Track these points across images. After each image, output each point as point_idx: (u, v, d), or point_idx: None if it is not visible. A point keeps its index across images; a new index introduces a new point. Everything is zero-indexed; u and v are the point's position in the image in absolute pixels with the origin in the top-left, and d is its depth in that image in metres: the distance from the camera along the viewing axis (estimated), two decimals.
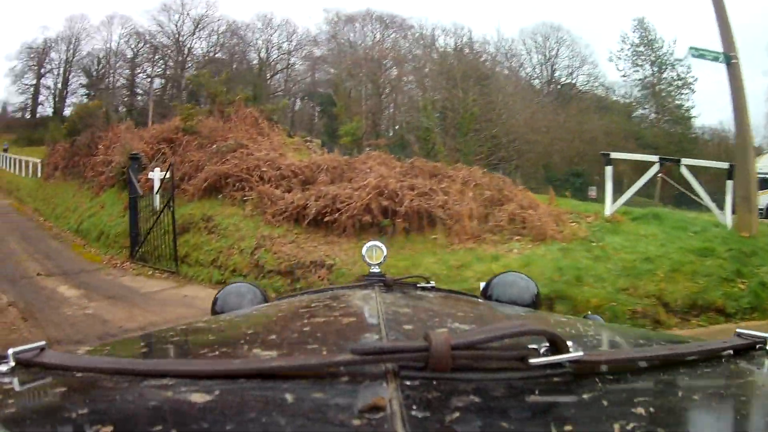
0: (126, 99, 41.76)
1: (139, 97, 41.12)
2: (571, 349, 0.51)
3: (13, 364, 0.58)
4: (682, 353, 0.62)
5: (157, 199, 10.23)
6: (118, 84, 53.78)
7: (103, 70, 54.97)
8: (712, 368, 0.60)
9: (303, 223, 8.37)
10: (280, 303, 1.22)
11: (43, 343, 0.61)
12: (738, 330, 0.68)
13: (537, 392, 0.48)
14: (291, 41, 37.78)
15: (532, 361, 0.50)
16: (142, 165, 12.02)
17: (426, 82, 25.86)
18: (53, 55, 56.16)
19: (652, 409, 0.45)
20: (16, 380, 0.56)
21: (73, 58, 55.98)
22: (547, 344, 0.53)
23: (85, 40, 56.68)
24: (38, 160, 20.82)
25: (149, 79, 43.06)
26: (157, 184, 10.40)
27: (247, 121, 13.12)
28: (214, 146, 11.47)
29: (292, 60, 33.55)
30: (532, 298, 1.33)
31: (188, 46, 44.63)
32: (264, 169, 9.97)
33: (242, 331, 0.90)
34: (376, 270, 1.40)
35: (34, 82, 56.45)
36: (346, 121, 20.79)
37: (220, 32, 43.30)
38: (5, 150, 30.14)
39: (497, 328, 0.51)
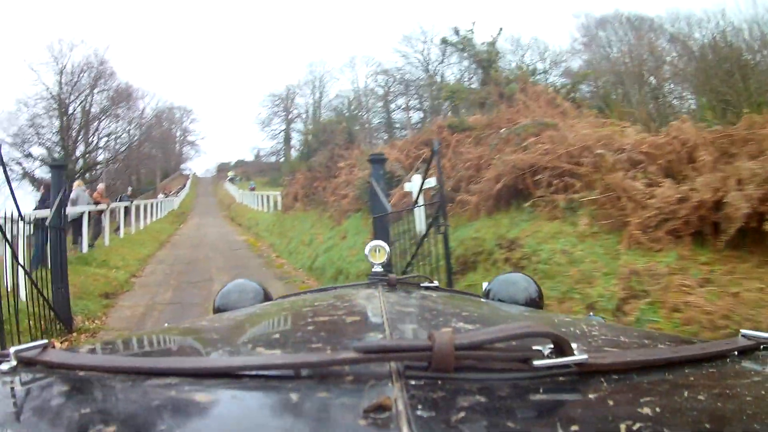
0: (384, 135, 44.55)
1: (397, 132, 43.29)
2: (575, 352, 0.54)
3: (14, 362, 0.61)
4: (686, 354, 0.64)
5: (419, 218, 7.35)
6: (375, 122, 58.97)
7: (355, 111, 60.71)
8: (717, 369, 0.62)
9: (713, 240, 4.60)
10: (283, 302, 1.29)
11: (45, 341, 0.64)
12: (743, 331, 0.72)
13: (542, 392, 0.50)
14: (544, 59, 35.52)
15: (536, 363, 0.53)
16: (395, 176, 9.57)
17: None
18: (298, 100, 65.88)
19: (658, 409, 0.47)
20: (18, 379, 0.59)
21: (320, 100, 63.77)
22: (552, 346, 0.55)
23: (330, 82, 64.16)
24: (278, 193, 21.20)
25: (407, 114, 46.32)
26: (420, 198, 7.55)
27: (540, 100, 9.77)
28: (502, 130, 8.34)
29: (550, 79, 30.75)
30: (535, 298, 1.43)
31: (440, 72, 46.46)
32: (599, 151, 6.07)
33: (245, 329, 0.96)
34: (378, 269, 1.47)
35: (284, 127, 66.66)
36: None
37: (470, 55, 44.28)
38: (252, 189, 33.68)
39: (502, 329, 0.53)
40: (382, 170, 7.82)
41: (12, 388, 0.57)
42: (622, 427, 0.43)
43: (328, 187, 14.26)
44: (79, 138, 40.21)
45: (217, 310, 1.36)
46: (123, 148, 45.50)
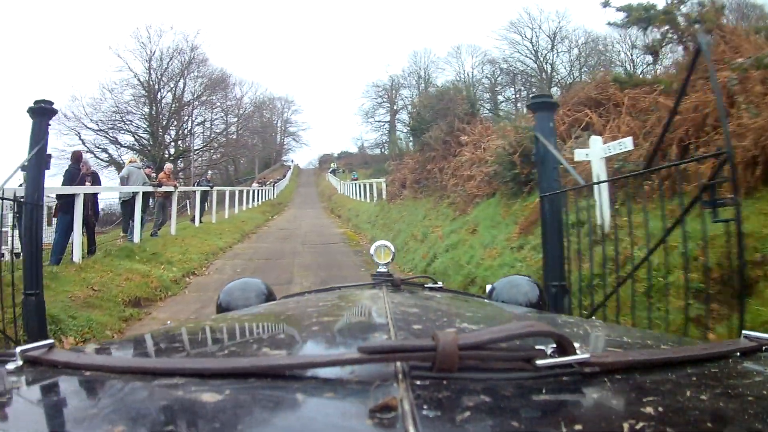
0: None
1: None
2: (578, 351, 0.56)
3: (20, 362, 0.62)
4: (689, 355, 0.67)
5: (603, 202, 5.10)
6: (483, 114, 54.96)
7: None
8: (719, 369, 0.65)
9: None
10: (288, 302, 1.34)
11: (50, 341, 0.66)
12: (745, 332, 0.75)
13: (546, 392, 0.52)
14: None
15: (539, 362, 0.55)
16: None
17: None
18: (403, 91, 63.86)
19: (661, 409, 0.49)
20: (23, 378, 0.60)
21: (426, 91, 61.07)
22: (554, 345, 0.58)
23: (435, 73, 61.97)
24: (382, 180, 18.98)
25: (515, 106, 42.80)
26: (601, 171, 5.29)
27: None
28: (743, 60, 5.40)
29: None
30: (537, 299, 1.49)
31: (550, 62, 42.79)
32: None
33: (251, 329, 1.00)
34: (383, 269, 1.56)
35: (388, 118, 64.92)
36: None
37: (580, 44, 40.93)
38: (354, 179, 32.05)
39: (505, 329, 0.55)
40: (551, 121, 4.61)
41: (18, 388, 0.58)
42: (625, 426, 0.44)
43: (447, 169, 11.64)
44: (170, 125, 40.54)
45: (221, 309, 1.45)
46: (218, 137, 45.85)
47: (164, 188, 12.26)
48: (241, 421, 0.46)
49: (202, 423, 0.46)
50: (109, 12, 77.33)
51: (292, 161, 68.70)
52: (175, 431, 0.45)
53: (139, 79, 38.64)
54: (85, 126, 35.30)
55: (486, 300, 1.47)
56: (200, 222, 16.03)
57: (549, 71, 41.00)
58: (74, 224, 7.67)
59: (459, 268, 7.30)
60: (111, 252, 8.64)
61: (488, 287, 1.59)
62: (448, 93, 13.44)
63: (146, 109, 38.91)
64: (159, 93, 39.54)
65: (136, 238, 10.08)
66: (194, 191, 15.95)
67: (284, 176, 51.79)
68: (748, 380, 0.63)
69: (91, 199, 8.65)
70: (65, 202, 7.75)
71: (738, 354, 0.69)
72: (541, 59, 43.42)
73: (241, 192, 24.21)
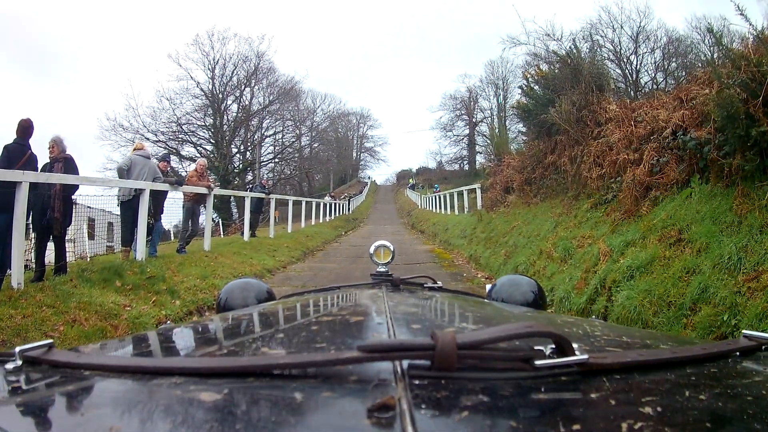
0: None
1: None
2: (577, 352, 0.56)
3: (20, 362, 0.63)
4: (688, 355, 0.66)
5: None
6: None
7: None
8: (719, 369, 0.64)
9: None
10: (288, 301, 1.36)
11: (50, 341, 0.66)
12: (745, 332, 0.75)
13: (544, 392, 0.52)
14: None
15: (538, 362, 0.54)
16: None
17: None
18: (482, 102, 60.14)
19: (659, 409, 0.48)
20: (23, 378, 0.60)
21: (505, 103, 57.61)
22: (553, 346, 0.58)
23: (513, 83, 57.91)
24: (476, 186, 15.49)
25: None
26: None
27: None
28: None
29: None
30: (537, 299, 1.49)
31: (633, 64, 37.90)
32: None
33: (250, 329, 1.01)
34: (383, 269, 1.57)
35: (467, 131, 61.43)
36: None
37: (662, 45, 36.18)
38: (436, 191, 28.96)
39: (504, 329, 0.55)
40: None
41: (17, 387, 0.58)
42: (624, 426, 0.44)
43: (585, 156, 8.08)
44: (236, 136, 38.51)
45: (221, 309, 1.44)
46: (287, 149, 43.82)
47: (192, 188, 9.43)
48: (239, 420, 0.45)
49: (201, 422, 0.46)
50: (168, 20, 77.83)
51: (369, 177, 66.85)
52: (174, 430, 0.45)
53: (201, 89, 37.00)
54: (144, 137, 33.76)
55: (485, 300, 1.46)
56: (252, 236, 13.23)
57: (634, 76, 35.95)
58: (13, 230, 4.75)
59: (679, 309, 3.75)
60: (85, 273, 5.71)
61: (487, 287, 1.59)
62: (576, 57, 9.81)
63: (209, 120, 37.18)
64: (224, 102, 37.75)
65: (139, 254, 7.24)
66: (245, 198, 13.03)
67: (361, 192, 49.55)
68: (748, 380, 0.62)
69: (59, 195, 5.80)
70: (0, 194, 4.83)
71: (737, 354, 0.69)
72: (624, 62, 38.48)
73: (309, 204, 21.44)
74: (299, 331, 0.90)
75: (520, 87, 11.14)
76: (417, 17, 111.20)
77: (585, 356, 0.56)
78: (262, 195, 14.21)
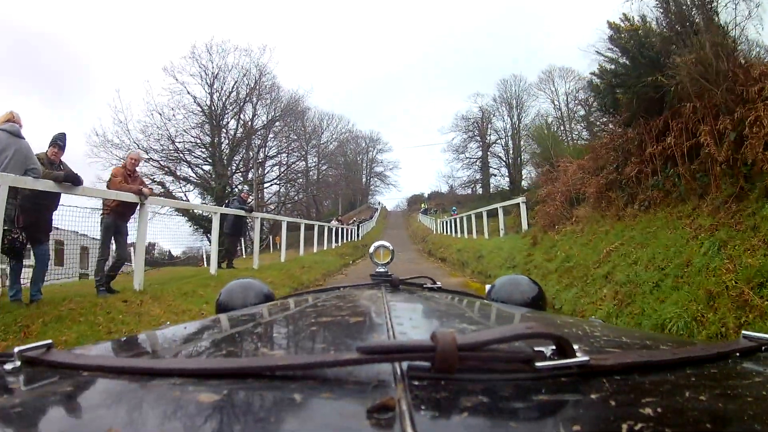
0: None
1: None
2: (577, 353, 0.55)
3: (18, 363, 0.62)
4: (688, 356, 0.65)
5: None
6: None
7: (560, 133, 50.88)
8: (719, 370, 0.63)
9: None
10: (287, 302, 1.33)
11: (49, 341, 0.66)
12: (744, 332, 0.74)
13: (545, 393, 0.51)
14: None
15: (539, 364, 0.53)
16: None
17: None
18: (496, 122, 57.09)
19: (659, 410, 0.47)
20: (21, 379, 0.60)
21: (519, 123, 54.75)
22: (554, 347, 0.57)
23: (528, 101, 55.14)
24: (518, 200, 11.99)
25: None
26: None
27: None
28: None
29: None
30: (537, 300, 1.45)
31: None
32: None
33: (250, 329, 0.98)
34: (382, 270, 1.52)
35: (479, 154, 58.35)
36: None
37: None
38: (453, 214, 25.89)
39: (505, 330, 0.54)
40: None
41: (16, 388, 0.58)
42: (624, 427, 0.43)
43: (755, 127, 4.58)
44: (235, 154, 35.26)
45: (220, 309, 1.41)
46: (295, 172, 40.58)
47: (111, 194, 6.00)
48: (238, 421, 0.45)
49: (200, 423, 0.45)
50: (164, 30, 74.61)
51: (380, 203, 63.66)
52: None
53: (198, 104, 33.81)
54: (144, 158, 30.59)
55: (485, 300, 1.45)
56: (229, 266, 9.80)
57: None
58: None
59: None
60: None
61: (487, 287, 1.58)
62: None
63: (207, 138, 33.97)
64: (222, 119, 34.59)
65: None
66: (213, 215, 9.42)
67: (371, 217, 46.21)
68: (748, 381, 0.62)
69: None
70: None
71: (737, 354, 0.68)
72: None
73: (311, 228, 18.02)
74: (299, 332, 0.90)
75: (600, 53, 7.60)
76: (426, 39, 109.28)
77: (586, 358, 0.55)
78: (241, 212, 10.80)
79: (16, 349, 0.63)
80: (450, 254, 16.66)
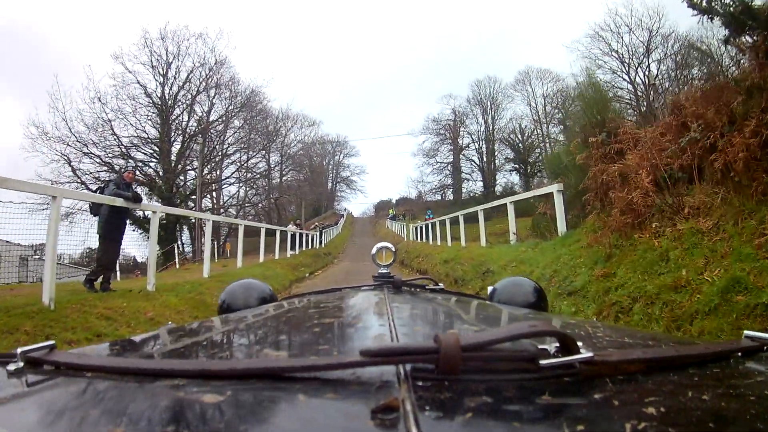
0: None
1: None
2: (581, 350, 0.54)
3: (21, 363, 0.61)
4: (691, 354, 0.65)
5: None
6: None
7: (529, 140, 48.11)
8: (721, 369, 0.63)
9: None
10: (290, 303, 1.28)
11: (51, 342, 0.64)
12: (746, 332, 0.72)
13: (548, 393, 0.50)
14: None
15: (543, 362, 0.52)
16: None
17: None
18: (470, 125, 54.22)
19: (662, 409, 0.47)
20: (24, 380, 0.59)
21: (493, 125, 51.94)
22: (557, 345, 0.56)
23: (504, 103, 52.56)
24: (553, 188, 7.99)
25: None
26: None
27: None
28: None
29: None
30: (539, 301, 1.42)
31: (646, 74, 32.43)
32: None
33: (252, 331, 0.97)
34: (384, 271, 1.48)
35: (450, 159, 55.25)
36: None
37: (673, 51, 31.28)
38: (429, 218, 22.45)
39: (507, 330, 0.53)
40: None
41: (18, 389, 0.57)
42: (627, 426, 0.43)
43: None
44: (188, 149, 30.99)
45: (223, 310, 1.38)
46: (255, 173, 36.51)
47: None
48: (242, 422, 0.44)
49: (203, 424, 0.45)
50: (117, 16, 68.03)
51: (346, 209, 59.77)
52: None
53: (148, 95, 29.44)
54: (81, 151, 26.16)
55: (487, 301, 1.42)
56: (105, 289, 5.89)
57: (647, 87, 30.63)
58: None
59: None
60: None
61: (489, 288, 1.54)
62: None
63: (154, 131, 29.58)
64: (173, 111, 30.28)
65: None
66: (56, 199, 5.39)
67: (336, 223, 42.17)
68: (750, 380, 0.61)
69: None
70: None
71: (740, 354, 0.67)
72: (632, 75, 33.42)
73: (252, 232, 13.98)
74: (301, 333, 0.88)
75: None
76: (400, 47, 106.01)
77: (590, 354, 0.54)
78: (122, 201, 6.71)
79: (19, 350, 0.61)
80: (432, 266, 12.88)
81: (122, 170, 7.71)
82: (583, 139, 7.38)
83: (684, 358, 0.63)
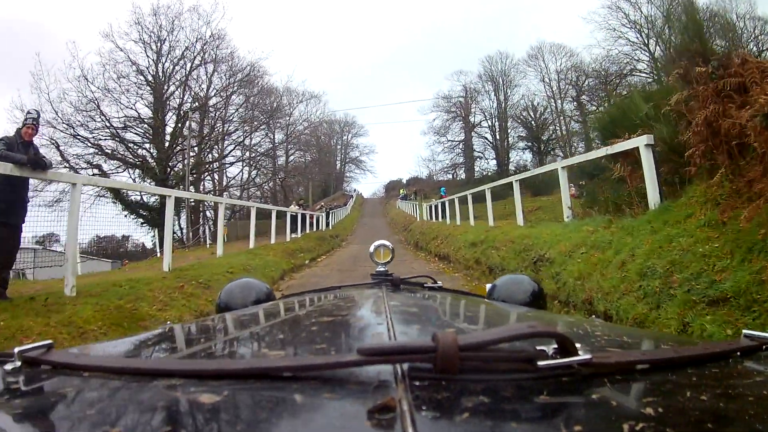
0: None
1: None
2: (579, 352, 0.54)
3: (19, 363, 0.61)
4: (690, 354, 0.65)
5: None
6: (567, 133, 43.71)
7: (542, 118, 45.71)
8: (720, 369, 0.62)
9: None
10: (288, 302, 1.28)
11: (49, 341, 0.64)
12: (745, 331, 0.71)
13: (546, 393, 0.50)
14: None
15: (541, 363, 0.52)
16: None
17: None
18: (483, 101, 51.74)
19: (661, 410, 0.46)
20: (22, 379, 0.58)
21: (506, 102, 49.48)
22: (556, 346, 0.55)
23: (517, 79, 50.04)
24: (642, 141, 5.58)
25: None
26: None
27: None
28: None
29: None
30: (538, 299, 1.41)
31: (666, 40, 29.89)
32: None
33: (250, 330, 0.97)
34: (382, 269, 1.46)
35: (461, 137, 52.80)
36: None
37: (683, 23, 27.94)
38: (443, 196, 21.14)
39: (506, 329, 0.53)
40: None
41: (16, 389, 0.56)
42: (626, 427, 0.42)
43: None
44: (184, 128, 28.67)
45: (221, 309, 1.37)
46: (259, 153, 34.46)
47: None
48: (239, 421, 0.45)
49: (200, 424, 0.45)
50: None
51: (355, 190, 57.64)
52: None
53: (141, 72, 27.38)
54: (68, 134, 24.42)
55: (486, 300, 1.40)
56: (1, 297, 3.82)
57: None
58: None
59: None
60: None
61: (488, 286, 1.51)
62: None
63: (147, 110, 27.57)
64: (166, 88, 28.18)
65: None
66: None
67: (345, 204, 40.09)
68: (749, 380, 0.61)
69: None
70: None
71: (738, 353, 0.67)
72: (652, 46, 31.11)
73: (241, 212, 11.99)
74: (299, 332, 0.88)
75: None
76: (410, 25, 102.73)
77: (588, 356, 0.53)
78: (13, 168, 4.50)
79: (17, 350, 0.61)
80: (455, 250, 10.72)
81: (20, 127, 4.98)
82: (681, 73, 5.12)
83: (683, 359, 0.62)
